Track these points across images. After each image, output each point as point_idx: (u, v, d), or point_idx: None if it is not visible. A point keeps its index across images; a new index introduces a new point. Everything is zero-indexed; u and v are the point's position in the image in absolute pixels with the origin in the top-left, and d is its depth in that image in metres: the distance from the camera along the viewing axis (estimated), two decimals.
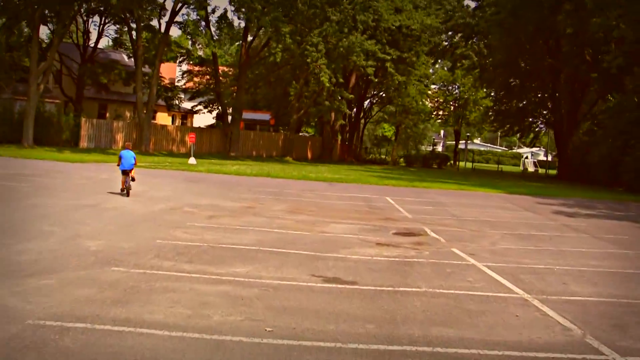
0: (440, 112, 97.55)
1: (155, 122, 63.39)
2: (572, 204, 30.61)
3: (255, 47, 63.03)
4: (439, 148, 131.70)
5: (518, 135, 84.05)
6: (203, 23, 55.57)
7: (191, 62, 65.81)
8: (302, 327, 8.12)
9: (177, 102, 66.79)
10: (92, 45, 64.33)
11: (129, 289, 9.56)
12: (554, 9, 51.40)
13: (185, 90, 70.17)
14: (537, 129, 79.58)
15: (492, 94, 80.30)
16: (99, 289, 9.41)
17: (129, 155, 22.98)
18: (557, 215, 25.37)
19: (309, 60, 52.81)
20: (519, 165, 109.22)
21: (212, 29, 58.62)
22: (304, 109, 65.42)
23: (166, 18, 55.41)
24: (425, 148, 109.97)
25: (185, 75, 66.18)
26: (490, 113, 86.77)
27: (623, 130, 45.51)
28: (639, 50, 43.45)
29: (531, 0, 52.57)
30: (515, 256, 14.72)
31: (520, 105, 70.59)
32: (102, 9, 59.39)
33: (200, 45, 58.57)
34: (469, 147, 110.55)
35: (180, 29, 57.82)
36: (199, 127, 68.03)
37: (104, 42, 67.73)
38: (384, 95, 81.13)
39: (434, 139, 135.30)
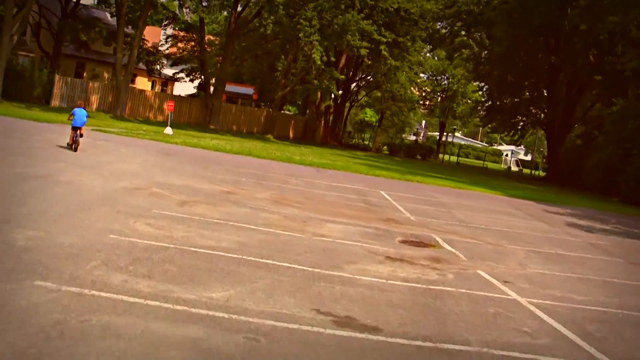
0: (427, 102, 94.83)
1: (133, 86, 60.03)
2: (581, 215, 27.85)
3: (245, 17, 59.72)
4: (420, 138, 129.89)
5: (506, 132, 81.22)
6: None
7: (177, 27, 62.29)
8: None
9: (158, 67, 63.20)
10: (75, 0, 60.76)
11: (49, 327, 6.33)
12: (565, 3, 48.65)
13: (168, 57, 66.66)
14: (525, 128, 76.84)
15: (485, 88, 77.58)
16: None
17: (81, 113, 23.60)
18: (573, 229, 22.58)
19: (301, 35, 49.80)
20: (500, 163, 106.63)
21: None
22: (290, 87, 62.46)
23: None
24: (407, 137, 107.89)
25: (169, 39, 62.54)
26: (479, 107, 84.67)
27: (626, 137, 42.95)
28: None
29: None
30: (560, 288, 11.85)
31: (514, 101, 67.88)
32: None
33: (187, 10, 55.01)
34: (450, 139, 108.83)
35: None
36: (179, 95, 64.70)
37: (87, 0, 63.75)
38: (371, 79, 78.16)
39: (416, 129, 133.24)
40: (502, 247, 15.98)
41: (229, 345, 6.51)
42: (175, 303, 7.59)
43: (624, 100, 45.02)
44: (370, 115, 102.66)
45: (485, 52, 63.27)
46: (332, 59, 54.42)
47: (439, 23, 68.72)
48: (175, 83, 72.27)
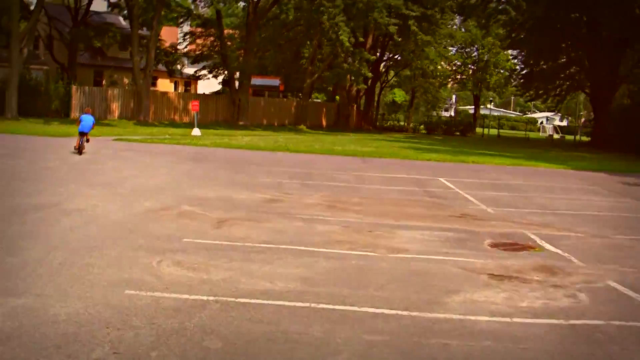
0: (458, 76, 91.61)
1: (155, 89, 57.54)
2: None
3: (264, 6, 56.73)
4: (451, 113, 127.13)
5: (545, 98, 77.53)
6: None
7: (193, 24, 59.50)
8: None
9: (178, 67, 60.42)
10: (85, 7, 58.25)
11: None
12: None
13: (187, 55, 63.92)
14: (565, 93, 73.08)
15: (520, 55, 73.86)
16: None
17: (88, 119, 24.20)
18: None
19: (324, 17, 46.75)
20: (535, 131, 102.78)
21: None
22: (318, 73, 59.58)
23: None
24: (438, 113, 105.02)
25: (187, 37, 59.74)
26: (514, 76, 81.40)
27: None
28: None
29: None
30: None
31: (552, 65, 64.30)
32: None
33: (202, 4, 52.17)
34: (482, 112, 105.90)
35: None
36: (204, 93, 61.95)
37: (98, 6, 61.10)
38: (399, 58, 74.91)
39: (449, 104, 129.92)
40: (611, 240, 13.06)
41: None
42: None
43: None
44: (399, 95, 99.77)
45: (520, 16, 59.34)
46: (360, 39, 51.45)
47: None
48: (199, 81, 69.64)
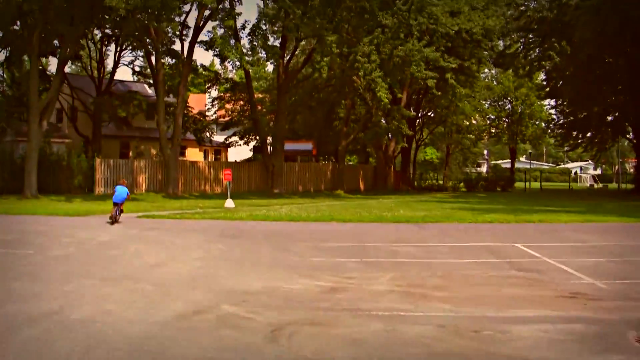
0: (493, 130, 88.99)
1: (184, 158, 54.78)
2: None
3: (294, 67, 54.12)
4: (483, 168, 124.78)
5: (585, 146, 74.51)
6: (232, 41, 46.17)
7: (221, 89, 56.92)
8: None
9: (208, 134, 57.59)
10: (109, 76, 56.12)
11: None
12: None
13: (217, 122, 61.35)
14: (607, 140, 70.18)
15: (561, 102, 70.77)
16: None
17: (121, 190, 25.32)
18: None
19: (361, 73, 44.08)
20: (571, 181, 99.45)
21: (244, 42, 49.71)
22: (354, 135, 56.77)
23: (189, 38, 46.87)
24: (470, 169, 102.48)
25: (215, 102, 57.17)
26: (551, 126, 78.67)
27: None
28: None
29: None
30: None
31: (594, 112, 61.14)
32: (117, 32, 51.02)
33: (230, 62, 49.58)
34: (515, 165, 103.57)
35: (205, 49, 49.29)
36: (235, 161, 59.05)
37: (123, 75, 59.79)
38: (432, 115, 72.17)
39: (482, 159, 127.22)
40: None
41: None
42: None
43: None
44: (430, 153, 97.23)
45: (558, 62, 56.14)
46: (399, 95, 48.51)
47: (515, 36, 62.30)
48: (229, 149, 66.99)
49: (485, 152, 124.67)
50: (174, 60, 50.34)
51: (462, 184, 75.74)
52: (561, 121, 73.76)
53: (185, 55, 46.87)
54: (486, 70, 69.34)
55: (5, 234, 20.63)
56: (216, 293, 11.76)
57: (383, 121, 53.38)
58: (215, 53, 48.31)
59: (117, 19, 44.05)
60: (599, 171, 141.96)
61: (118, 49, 54.82)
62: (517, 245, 19.16)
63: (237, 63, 49.11)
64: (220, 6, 45.34)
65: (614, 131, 65.06)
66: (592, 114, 60.29)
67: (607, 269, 14.96)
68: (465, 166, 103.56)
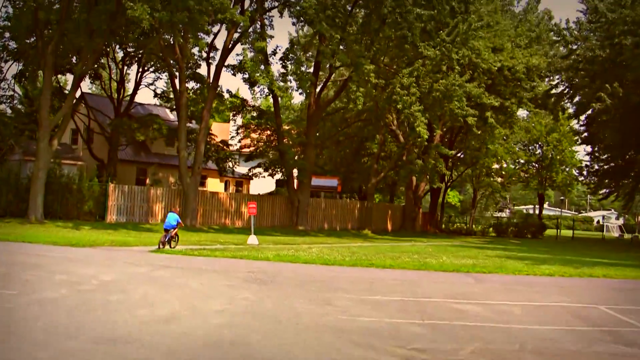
0: (522, 174, 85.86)
1: (204, 189, 51.58)
2: None
3: (324, 98, 51.05)
4: (504, 213, 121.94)
5: (616, 195, 71.44)
6: (262, 67, 43.02)
7: (247, 116, 53.70)
8: None
9: (230, 164, 54.25)
10: (129, 98, 53.24)
11: None
12: None
13: (240, 152, 58.10)
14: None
15: (597, 148, 67.40)
16: None
17: (171, 217, 25.74)
18: None
19: (399, 106, 40.82)
20: (593, 230, 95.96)
21: (274, 68, 46.63)
22: (385, 172, 53.44)
23: (216, 62, 44.07)
24: (492, 214, 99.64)
25: (240, 131, 53.89)
26: (584, 173, 75.59)
27: None
28: None
29: None
30: None
31: (628, 160, 57.89)
32: (139, 52, 48.27)
33: (259, 88, 46.40)
34: (536, 212, 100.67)
35: (233, 73, 46.29)
36: (259, 194, 55.73)
37: (144, 98, 57.25)
38: (462, 155, 68.90)
39: (504, 204, 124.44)
40: None
41: None
42: None
43: None
44: (452, 195, 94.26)
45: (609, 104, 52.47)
46: (438, 131, 45.23)
47: (546, 79, 59.06)
48: (251, 181, 63.81)
49: (507, 197, 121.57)
50: (198, 85, 47.41)
51: (491, 229, 72.36)
52: (595, 168, 70.76)
53: (211, 79, 43.91)
54: (519, 112, 66.14)
55: None
56: None
57: (418, 160, 50.01)
58: (244, 78, 45.27)
59: (141, 36, 41.31)
60: (621, 221, 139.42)
61: (140, 69, 51.98)
62: (601, 307, 15.87)
63: (266, 90, 46.26)
64: (251, 29, 42.43)
65: None
66: (636, 161, 56.70)
67: None
68: (487, 211, 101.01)
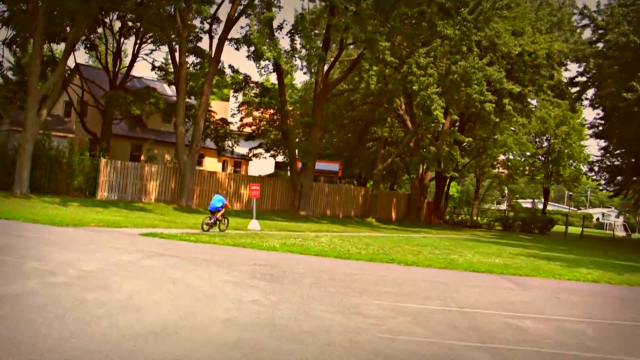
0: (527, 167, 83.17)
1: (201, 168, 48.72)
2: None
3: (330, 78, 48.18)
4: (503, 207, 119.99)
5: (625, 193, 68.96)
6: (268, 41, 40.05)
7: (249, 93, 50.63)
8: None
9: (230, 143, 51.23)
10: (125, 70, 50.26)
11: None
12: None
13: (240, 131, 55.09)
14: None
15: (612, 143, 64.95)
16: None
17: (217, 199, 25.50)
18: None
19: (415, 87, 37.90)
20: (592, 227, 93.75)
21: (281, 42, 43.68)
22: (392, 158, 50.67)
23: (218, 35, 41.24)
24: (490, 207, 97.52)
25: (242, 108, 50.78)
26: (595, 168, 72.99)
27: None
28: None
29: None
30: None
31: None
32: (137, 24, 45.27)
33: (265, 64, 43.30)
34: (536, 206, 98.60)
35: (236, 48, 43.41)
36: (259, 175, 52.80)
37: (141, 71, 54.59)
38: (467, 146, 66.04)
39: (502, 197, 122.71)
40: None
41: None
42: None
43: None
44: (452, 186, 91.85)
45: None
46: (454, 117, 42.38)
47: (565, 66, 56.16)
48: (250, 162, 60.95)
49: (506, 190, 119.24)
50: (198, 59, 44.52)
51: (497, 223, 69.85)
52: (606, 163, 68.14)
53: (213, 52, 41.03)
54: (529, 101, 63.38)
55: None
56: None
57: (431, 146, 47.23)
58: (248, 52, 42.48)
59: (139, 4, 38.41)
60: (621, 219, 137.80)
61: (137, 41, 48.95)
62: None
63: (271, 67, 43.46)
64: None
65: None
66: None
67: None
68: (485, 203, 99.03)
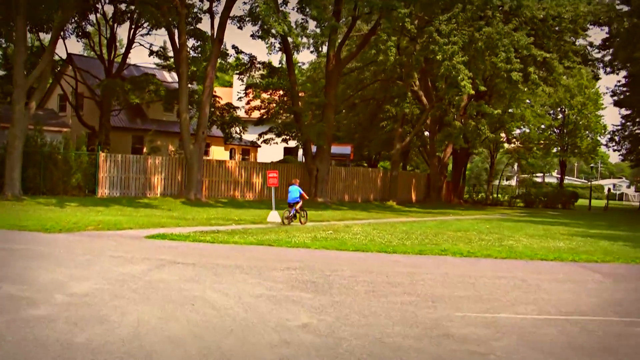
0: (542, 140, 79.79)
1: (208, 158, 45.58)
2: None
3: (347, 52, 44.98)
4: (513, 182, 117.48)
5: None
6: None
7: (255, 75, 47.27)
8: None
9: (237, 129, 47.80)
10: (121, 58, 47.06)
11: None
12: None
13: (248, 117, 51.51)
14: None
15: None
16: None
17: (294, 190, 24.72)
18: None
19: (438, 57, 34.71)
20: (603, 199, 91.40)
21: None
22: (410, 137, 47.52)
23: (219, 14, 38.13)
24: (501, 183, 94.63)
25: (248, 91, 47.26)
26: (615, 137, 70.18)
27: None
28: None
29: None
30: None
31: None
32: (131, 8, 42.09)
33: (274, 37, 39.74)
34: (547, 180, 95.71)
35: (239, 27, 40.25)
36: (272, 162, 49.53)
37: (138, 58, 51.55)
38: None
39: (513, 172, 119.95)
40: None
41: None
42: None
43: None
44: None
45: None
46: (482, 88, 39.10)
47: (590, 29, 52.89)
48: (258, 149, 57.77)
49: (516, 165, 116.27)
50: (199, 42, 41.30)
51: (518, 200, 66.89)
52: (626, 132, 65.49)
53: (215, 31, 37.84)
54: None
55: None
56: None
57: (456, 121, 44.03)
58: (252, 34, 39.33)
59: None
60: (632, 189, 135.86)
61: (132, 26, 45.68)
62: None
63: (278, 45, 40.32)
64: None
65: None
66: None
67: None
68: (495, 179, 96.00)
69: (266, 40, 36.49)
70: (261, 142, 49.05)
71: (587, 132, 76.97)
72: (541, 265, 15.86)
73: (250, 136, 53.74)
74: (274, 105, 45.42)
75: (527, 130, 73.86)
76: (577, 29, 46.72)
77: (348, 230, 21.91)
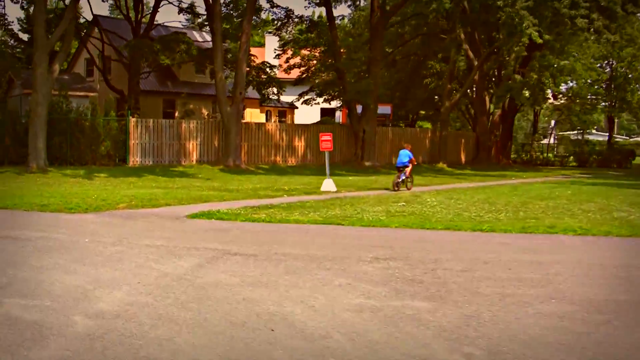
0: (588, 95, 75.72)
1: (245, 121, 42.65)
2: None
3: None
4: (551, 140, 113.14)
5: None
6: None
7: (296, 29, 44.12)
8: None
9: (275, 90, 44.74)
10: (149, 18, 44.19)
11: None
12: None
13: (283, 79, 48.35)
14: None
15: None
16: None
17: (404, 154, 24.00)
18: None
19: (499, 2, 31.36)
20: None
21: None
22: (460, 93, 44.28)
23: None
24: (533, 141, 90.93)
25: (285, 48, 44.06)
26: None
27: None
28: None
29: None
30: None
31: None
32: None
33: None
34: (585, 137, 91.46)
35: None
36: (316, 123, 46.40)
37: (167, 17, 48.74)
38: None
39: (549, 130, 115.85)
40: None
41: None
42: None
43: None
44: None
45: None
46: (546, 36, 35.67)
47: None
48: (294, 110, 54.69)
49: (553, 122, 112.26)
50: None
51: (571, 158, 63.50)
52: None
53: None
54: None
55: None
56: None
57: (516, 74, 40.69)
58: None
59: None
60: None
61: None
62: None
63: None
64: None
65: None
66: None
67: None
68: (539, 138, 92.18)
69: None
70: (301, 103, 45.92)
71: (638, 85, 73.24)
72: None
73: (285, 97, 50.74)
74: (315, 62, 42.20)
75: (575, 85, 70.28)
76: None
77: (420, 201, 18.87)
